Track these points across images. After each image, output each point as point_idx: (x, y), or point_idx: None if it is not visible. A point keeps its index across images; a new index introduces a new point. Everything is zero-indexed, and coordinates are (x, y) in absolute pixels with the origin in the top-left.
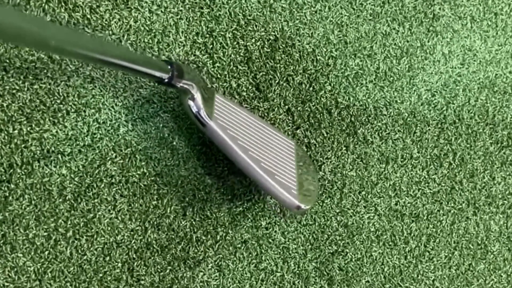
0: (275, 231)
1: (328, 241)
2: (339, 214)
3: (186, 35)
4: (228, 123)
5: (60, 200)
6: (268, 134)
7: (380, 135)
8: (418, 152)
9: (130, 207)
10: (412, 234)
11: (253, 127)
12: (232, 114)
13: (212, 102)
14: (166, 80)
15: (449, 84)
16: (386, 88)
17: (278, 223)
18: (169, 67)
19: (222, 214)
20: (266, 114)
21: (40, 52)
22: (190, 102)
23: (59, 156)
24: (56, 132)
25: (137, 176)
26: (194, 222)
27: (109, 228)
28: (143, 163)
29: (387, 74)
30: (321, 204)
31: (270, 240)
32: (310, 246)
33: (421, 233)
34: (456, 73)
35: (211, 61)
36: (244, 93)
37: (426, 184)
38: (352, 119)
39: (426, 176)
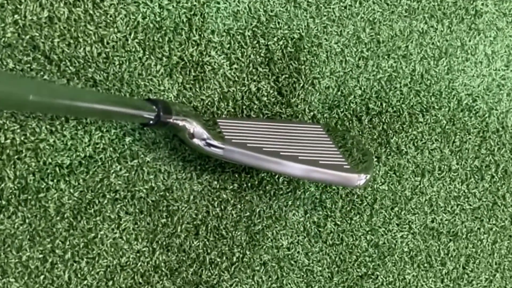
0: (298, 252)
1: (356, 262)
2: (369, 232)
3: (200, 33)
4: (244, 138)
5: (58, 218)
6: (290, 129)
7: (416, 144)
8: (457, 164)
9: (136, 226)
10: (449, 255)
11: (272, 130)
12: (243, 128)
13: (216, 127)
14: (153, 120)
15: (492, 88)
16: (422, 93)
17: (301, 243)
18: (153, 106)
19: (239, 233)
20: (289, 119)
21: (36, 52)
22: (194, 140)
23: (57, 168)
24: (54, 141)
25: (144, 191)
26: (207, 242)
27: (112, 249)
28: (151, 177)
29: (423, 77)
30: (349, 221)
31: (292, 262)
32: (336, 269)
33: (460, 254)
34: (500, 76)
35: (227, 62)
36: (265, 98)
37: (466, 199)
38: (385, 127)
39: (466, 190)
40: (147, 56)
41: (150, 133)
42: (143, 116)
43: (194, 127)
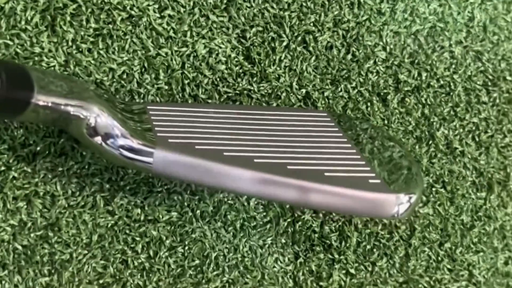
0: None
1: None
2: (404, 285)
3: None
4: (190, 136)
5: None
6: (270, 120)
7: (477, 139)
8: None
9: None
10: None
11: (239, 121)
12: (189, 119)
13: (141, 117)
14: None
15: None
16: (486, 55)
17: None
18: None
19: None
20: (264, 104)
21: None
22: (96, 140)
23: None
24: None
25: (8, 229)
26: None
27: None
28: (20, 204)
29: (487, 29)
30: (369, 268)
31: None
32: None
33: None
34: None
35: (155, 6)
36: (222, 67)
37: None
38: (426, 111)
39: None
40: None
41: (18, 129)
42: None
43: (96, 115)
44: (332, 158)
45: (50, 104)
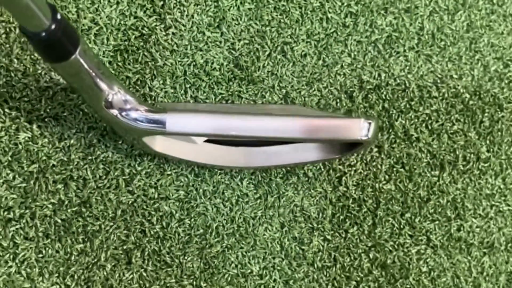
0: (275, 280)
1: None
2: (373, 249)
3: None
4: (195, 108)
5: None
6: (259, 106)
7: (430, 127)
8: (488, 151)
9: (40, 256)
10: (484, 274)
11: (233, 107)
12: (193, 106)
13: (154, 103)
14: (45, 28)
15: None
16: (435, 58)
17: (278, 267)
18: (50, 11)
19: (189, 259)
20: (252, 102)
21: None
22: (112, 112)
23: None
24: None
25: (50, 206)
26: (145, 274)
27: None
28: (59, 186)
29: (435, 36)
30: (343, 235)
31: None
32: None
33: (498, 271)
34: None
35: (162, 26)
36: (217, 73)
37: (502, 198)
38: (386, 105)
39: (502, 186)
40: None
41: (56, 125)
42: (32, 15)
43: (114, 92)
44: (309, 112)
45: (86, 66)
